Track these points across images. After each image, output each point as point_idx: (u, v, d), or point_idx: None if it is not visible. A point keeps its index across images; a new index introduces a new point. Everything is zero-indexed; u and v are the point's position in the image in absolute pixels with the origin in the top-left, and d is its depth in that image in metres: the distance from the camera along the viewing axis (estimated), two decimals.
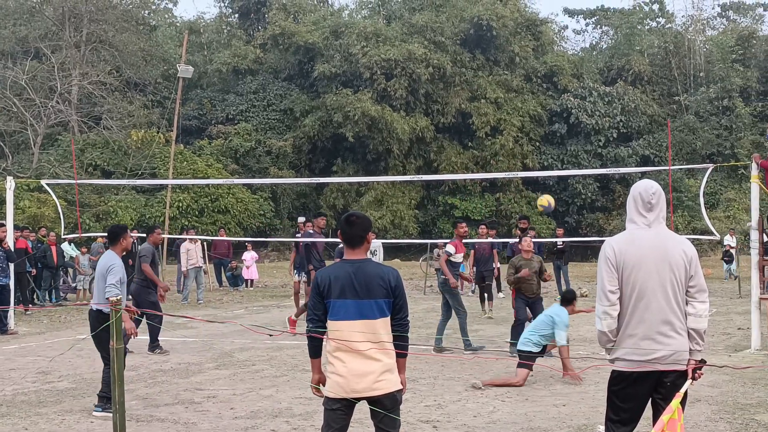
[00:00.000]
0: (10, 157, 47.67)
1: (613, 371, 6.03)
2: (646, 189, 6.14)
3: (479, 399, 11.06)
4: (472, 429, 9.42)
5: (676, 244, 6.03)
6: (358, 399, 5.96)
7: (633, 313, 5.88)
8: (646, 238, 6.05)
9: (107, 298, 9.57)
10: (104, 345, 9.64)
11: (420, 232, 51.49)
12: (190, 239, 25.82)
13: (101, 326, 9.65)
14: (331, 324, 6.01)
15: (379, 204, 51.59)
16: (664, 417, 5.52)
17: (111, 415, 9.67)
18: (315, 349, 6.18)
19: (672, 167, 18.99)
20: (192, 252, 25.55)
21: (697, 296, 5.95)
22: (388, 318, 6.01)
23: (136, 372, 13.08)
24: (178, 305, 24.14)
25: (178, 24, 68.37)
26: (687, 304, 5.95)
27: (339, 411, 6.00)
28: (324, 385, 6.09)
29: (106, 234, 11.82)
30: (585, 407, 10.36)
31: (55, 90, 48.50)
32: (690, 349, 5.92)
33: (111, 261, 10.40)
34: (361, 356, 5.86)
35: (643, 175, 52.93)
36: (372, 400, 5.94)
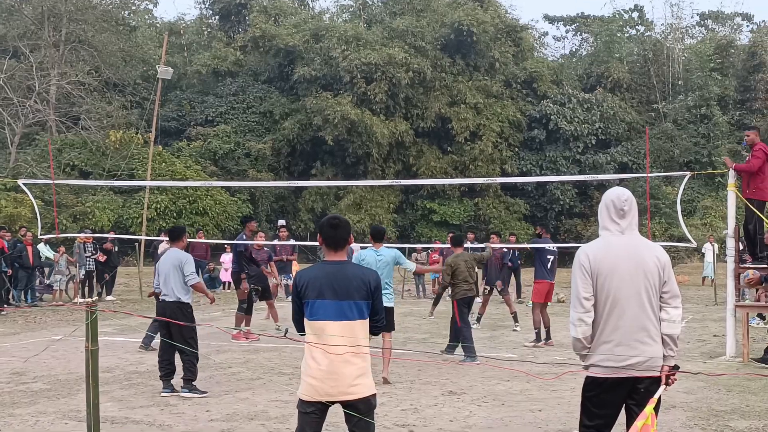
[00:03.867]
0: None
1: (587, 377, 6.03)
2: (618, 196, 6.18)
3: (455, 403, 11.04)
4: None
5: (650, 250, 6.05)
6: (332, 402, 5.94)
7: (608, 320, 5.88)
8: (619, 246, 6.06)
9: (191, 286, 11.71)
10: (187, 333, 11.29)
11: (398, 236, 51.44)
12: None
13: (184, 315, 11.37)
14: (308, 324, 6.01)
15: (357, 207, 51.53)
16: (638, 423, 5.53)
17: (201, 395, 11.18)
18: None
19: (650, 174, 19.15)
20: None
21: (670, 302, 5.98)
22: (367, 320, 6.02)
23: (111, 373, 12.96)
24: (152, 306, 23.89)
25: (158, 25, 68.25)
26: (661, 309, 5.98)
27: (313, 414, 5.97)
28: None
29: (168, 232, 13.57)
30: (561, 412, 10.37)
31: (33, 89, 48.34)
32: (664, 355, 5.95)
33: (182, 255, 11.88)
34: (336, 359, 5.83)
35: (620, 182, 53.36)
36: (346, 404, 5.92)
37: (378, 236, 12.90)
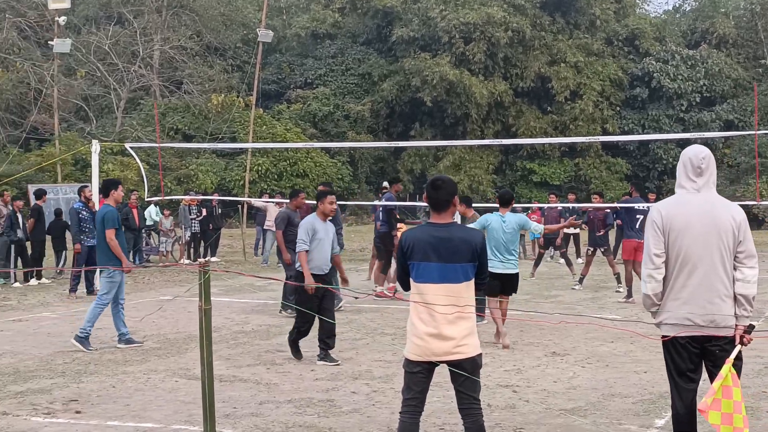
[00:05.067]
0: (95, 120, 48.84)
1: (661, 337, 6.02)
2: (696, 154, 6.07)
3: (559, 365, 10.91)
4: (551, 394, 9.32)
5: (726, 209, 5.95)
6: (439, 362, 5.94)
7: (677, 277, 5.86)
8: (694, 203, 6.00)
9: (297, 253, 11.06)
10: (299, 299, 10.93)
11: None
12: (277, 203, 25.55)
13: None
14: (414, 286, 6.00)
15: (456, 169, 50.99)
16: (715, 384, 5.47)
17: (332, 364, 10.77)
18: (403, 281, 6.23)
19: (758, 132, 18.39)
20: (271, 214, 24.99)
21: (745, 262, 5.85)
22: (472, 282, 5.98)
23: (218, 333, 13.03)
24: (257, 267, 24.00)
25: None
26: (735, 269, 5.85)
27: (419, 374, 5.98)
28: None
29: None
30: (666, 374, 10.08)
31: (138, 55, 49.16)
32: (737, 315, 5.84)
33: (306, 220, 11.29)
34: (442, 320, 5.81)
35: (726, 140, 52.14)
36: (452, 364, 5.91)
37: (505, 201, 12.80)
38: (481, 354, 6.05)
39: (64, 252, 21.40)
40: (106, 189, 12.24)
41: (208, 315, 6.52)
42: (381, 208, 17.87)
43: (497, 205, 13.00)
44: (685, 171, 6.10)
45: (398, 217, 18.16)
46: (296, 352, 11.23)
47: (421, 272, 5.91)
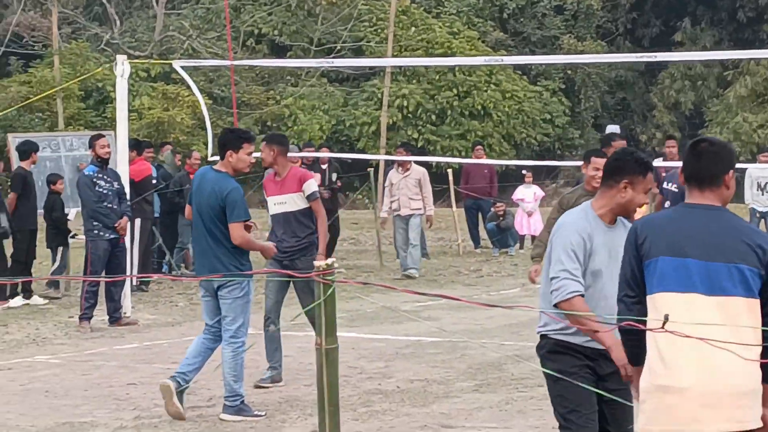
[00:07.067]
0: (118, 22, 37.28)
1: None
2: None
3: None
4: None
5: None
6: None
7: None
8: None
9: None
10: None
11: None
12: (400, 165, 19.87)
13: None
14: (653, 299, 4.49)
15: (759, 103, 38.00)
16: None
17: None
18: (636, 347, 4.60)
19: None
20: (402, 189, 19.60)
21: None
22: (757, 300, 4.46)
23: (341, 392, 6.20)
24: (397, 275, 19.68)
25: None
26: None
27: None
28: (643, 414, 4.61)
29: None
30: None
31: None
32: None
33: None
34: (708, 358, 4.32)
35: None
36: None
37: None
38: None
39: (61, 249, 17.21)
40: (222, 146, 9.08)
41: (332, 360, 4.88)
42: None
43: None
44: None
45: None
46: None
47: (667, 274, 4.51)
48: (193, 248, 10.20)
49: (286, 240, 9.75)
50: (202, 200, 8.72)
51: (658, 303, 4.37)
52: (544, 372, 5.47)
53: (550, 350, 5.68)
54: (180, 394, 8.71)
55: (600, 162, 8.70)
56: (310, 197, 9.97)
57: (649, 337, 4.36)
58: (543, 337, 5.77)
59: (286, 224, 9.90)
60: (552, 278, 5.52)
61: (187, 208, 9.49)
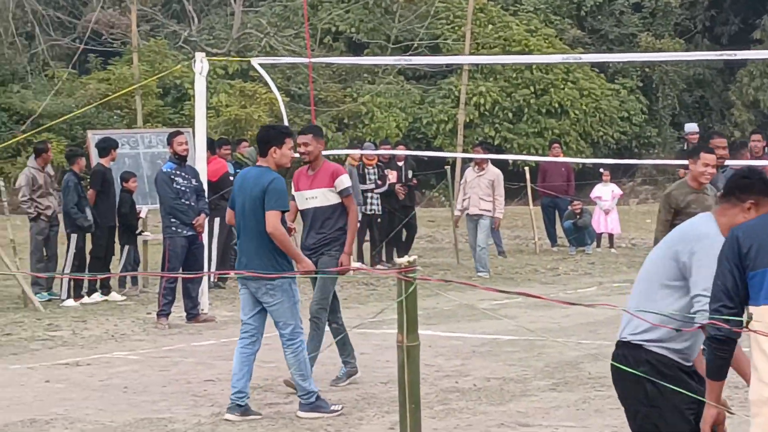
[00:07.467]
0: (196, 20, 38.93)
1: None
2: None
3: None
4: None
5: None
6: None
7: None
8: None
9: None
10: None
11: None
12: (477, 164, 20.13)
13: None
14: (760, 311, 4.43)
15: None
16: None
17: None
18: (726, 359, 4.55)
19: None
20: (475, 188, 19.74)
21: None
22: None
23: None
24: (471, 273, 20.06)
25: None
26: None
27: None
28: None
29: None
30: None
31: None
32: None
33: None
34: None
35: None
36: None
37: None
38: None
39: (127, 247, 17.68)
40: (266, 143, 9.16)
41: (413, 357, 5.05)
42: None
43: None
44: None
45: None
46: None
47: None
48: (238, 250, 9.74)
49: (312, 236, 9.63)
50: (246, 197, 8.59)
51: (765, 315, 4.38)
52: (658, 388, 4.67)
53: (662, 372, 5.01)
54: (245, 409, 8.70)
55: (710, 158, 8.55)
56: (342, 192, 9.81)
57: (756, 349, 4.34)
58: (638, 347, 5.08)
59: (314, 220, 9.74)
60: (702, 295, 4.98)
61: (228, 212, 9.22)
